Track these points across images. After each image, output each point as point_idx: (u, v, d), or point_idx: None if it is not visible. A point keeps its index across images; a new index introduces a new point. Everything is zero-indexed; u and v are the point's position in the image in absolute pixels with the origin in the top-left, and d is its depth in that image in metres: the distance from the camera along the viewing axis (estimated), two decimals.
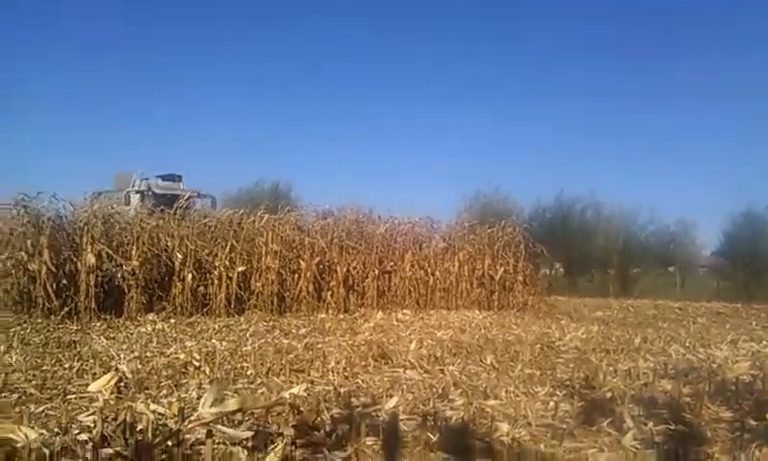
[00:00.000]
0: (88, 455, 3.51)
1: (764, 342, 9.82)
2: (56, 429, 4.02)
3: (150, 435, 3.58)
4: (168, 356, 7.26)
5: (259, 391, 5.54)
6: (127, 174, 23.00)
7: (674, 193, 54.74)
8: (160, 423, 3.91)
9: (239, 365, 6.80)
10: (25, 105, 54.36)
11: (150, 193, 21.88)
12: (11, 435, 3.48)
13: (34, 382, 5.75)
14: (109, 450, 3.54)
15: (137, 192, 21.68)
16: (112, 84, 58.34)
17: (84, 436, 3.87)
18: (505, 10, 60.39)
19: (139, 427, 3.67)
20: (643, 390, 5.60)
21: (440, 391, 5.56)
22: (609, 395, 5.41)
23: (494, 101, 62.34)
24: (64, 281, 11.73)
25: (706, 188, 56.08)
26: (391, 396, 5.14)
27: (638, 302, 22.18)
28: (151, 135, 55.89)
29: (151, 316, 11.71)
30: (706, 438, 4.34)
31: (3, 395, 5.33)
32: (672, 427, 4.41)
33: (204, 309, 12.76)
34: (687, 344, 9.44)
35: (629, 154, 58.91)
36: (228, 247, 13.28)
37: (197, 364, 6.67)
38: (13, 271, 11.80)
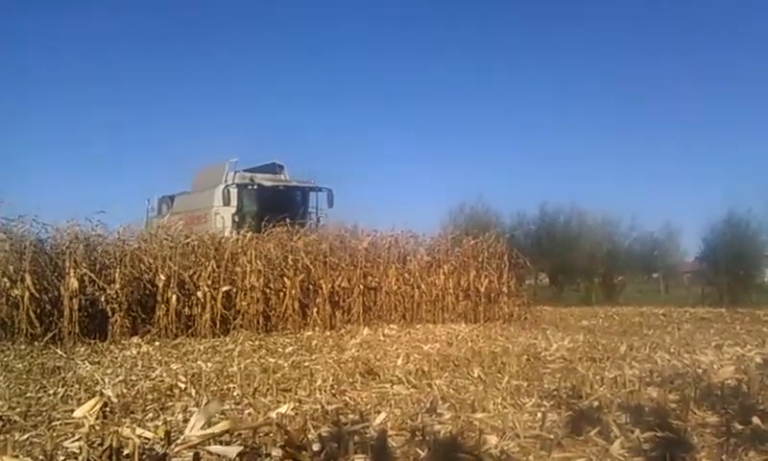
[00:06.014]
0: None
1: (748, 346, 9.88)
2: (41, 457, 3.98)
3: (136, 460, 3.55)
4: (153, 379, 7.20)
5: (246, 412, 5.50)
6: (215, 168, 19.82)
7: (657, 199, 55.36)
8: (147, 447, 3.88)
9: (225, 386, 6.75)
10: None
11: (253, 187, 19.28)
12: None
13: (17, 410, 5.67)
14: None
15: (236, 186, 18.97)
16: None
17: None
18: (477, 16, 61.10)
19: (126, 452, 3.63)
20: (630, 397, 5.61)
21: (428, 405, 5.54)
22: (596, 404, 5.42)
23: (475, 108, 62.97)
24: (47, 307, 11.62)
25: (689, 192, 56.81)
26: (379, 412, 5.12)
27: (624, 309, 22.27)
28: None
29: (135, 339, 11.60)
30: (692, 443, 4.36)
31: None
32: (659, 434, 4.43)
33: (189, 331, 12.65)
34: (672, 350, 9.49)
35: (611, 160, 59.60)
36: (211, 267, 13.23)
37: (182, 386, 6.62)
38: None
